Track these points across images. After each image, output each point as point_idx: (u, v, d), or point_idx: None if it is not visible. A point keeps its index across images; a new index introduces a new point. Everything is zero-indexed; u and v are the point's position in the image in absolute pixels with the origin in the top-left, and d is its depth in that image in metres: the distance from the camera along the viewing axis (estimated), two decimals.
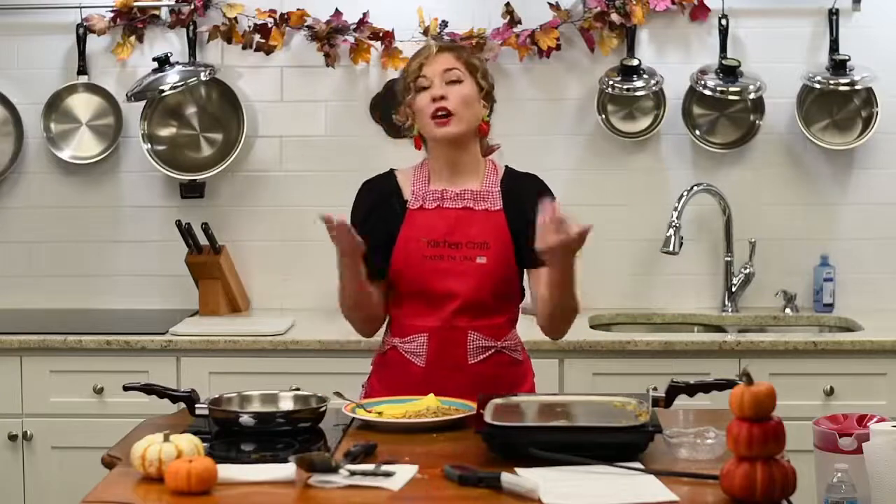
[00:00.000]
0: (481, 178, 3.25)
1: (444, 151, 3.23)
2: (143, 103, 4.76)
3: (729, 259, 4.74)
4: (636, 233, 4.78)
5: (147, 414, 3.24)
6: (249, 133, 4.79)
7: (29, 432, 4.33)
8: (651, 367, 4.17)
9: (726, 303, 4.74)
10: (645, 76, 4.69)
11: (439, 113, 3.16)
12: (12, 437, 4.33)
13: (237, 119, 4.79)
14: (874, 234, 4.77)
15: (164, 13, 4.79)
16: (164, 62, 4.68)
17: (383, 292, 3.26)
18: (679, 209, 4.60)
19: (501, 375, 3.20)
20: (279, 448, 2.74)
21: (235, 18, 4.74)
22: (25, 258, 4.88)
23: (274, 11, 4.75)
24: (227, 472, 2.50)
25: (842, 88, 4.65)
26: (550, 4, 4.71)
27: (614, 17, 4.66)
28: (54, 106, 4.81)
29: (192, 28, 4.74)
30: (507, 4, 4.70)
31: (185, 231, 4.66)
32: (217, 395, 2.99)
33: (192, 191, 4.80)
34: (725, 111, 4.76)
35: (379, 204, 3.25)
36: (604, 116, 4.75)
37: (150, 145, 4.80)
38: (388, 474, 2.50)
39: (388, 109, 4.78)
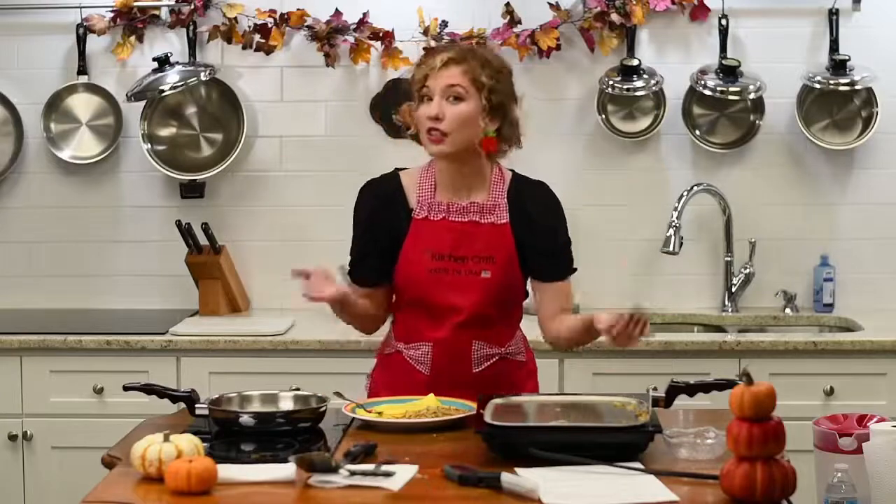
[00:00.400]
0: (487, 188, 3.21)
1: (444, 164, 3.20)
2: (143, 103, 4.76)
3: (729, 259, 4.74)
4: (636, 233, 4.78)
5: (147, 414, 3.24)
6: (249, 133, 4.79)
7: (29, 432, 4.33)
8: (651, 367, 4.17)
9: (726, 303, 4.74)
10: (645, 76, 4.69)
11: (433, 131, 3.12)
12: (12, 437, 4.33)
13: (237, 119, 4.79)
14: (874, 234, 4.77)
15: (164, 13, 4.79)
16: (164, 62, 4.68)
17: (385, 297, 3.25)
18: (679, 209, 4.60)
19: (506, 380, 3.19)
20: (279, 448, 2.74)
21: (235, 18, 4.74)
22: (25, 258, 4.88)
23: (274, 11, 4.75)
24: (227, 472, 2.50)
25: (842, 88, 4.65)
26: (550, 4, 4.71)
27: (614, 17, 4.66)
28: (54, 106, 4.80)
29: (192, 28, 4.74)
30: (507, 4, 4.70)
31: (185, 231, 4.66)
32: (217, 395, 2.99)
33: (192, 191, 4.80)
34: (725, 111, 4.76)
35: (383, 210, 3.22)
36: (604, 116, 4.75)
37: (150, 145, 4.80)
38: (388, 474, 2.50)
39: (388, 109, 4.79)
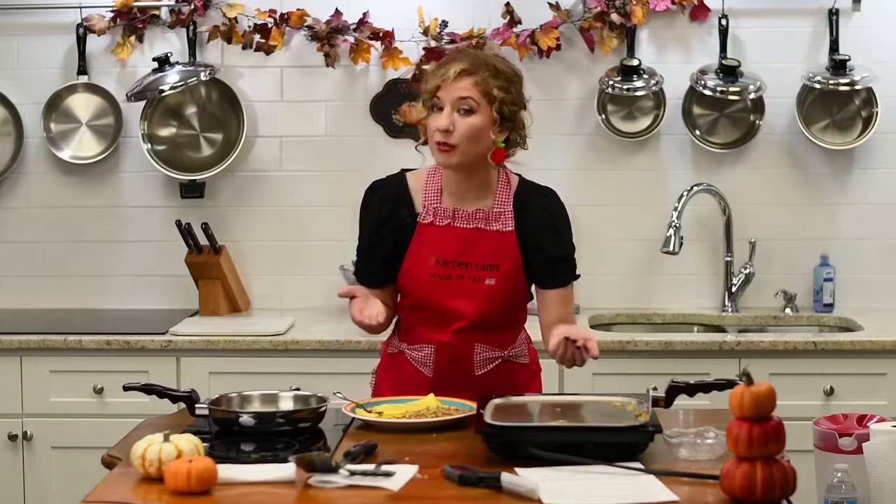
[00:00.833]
0: (493, 194, 3.20)
1: (451, 173, 3.18)
2: (143, 103, 4.75)
3: (729, 259, 4.74)
4: (636, 233, 4.78)
5: (147, 414, 3.24)
6: (249, 133, 4.79)
7: (29, 432, 4.33)
8: (651, 367, 4.17)
9: (726, 303, 4.74)
10: (645, 76, 4.69)
11: (443, 143, 3.10)
12: (12, 437, 4.33)
13: (237, 119, 4.79)
14: (874, 234, 4.77)
15: (164, 13, 4.79)
16: (164, 62, 4.68)
17: (390, 297, 3.25)
18: (679, 209, 4.60)
19: (509, 382, 3.19)
20: (279, 448, 2.74)
21: (235, 18, 4.74)
22: (25, 258, 4.88)
23: (274, 11, 4.75)
24: (227, 472, 2.50)
25: (842, 88, 4.65)
26: (550, 4, 4.71)
27: (614, 17, 4.66)
28: (54, 106, 4.80)
29: (192, 28, 4.74)
30: (507, 4, 4.70)
31: (185, 231, 4.66)
32: (217, 395, 2.99)
33: (192, 191, 4.80)
34: (725, 111, 4.76)
35: (389, 213, 3.20)
36: (604, 116, 4.75)
37: (150, 145, 4.80)
38: (388, 474, 2.50)
39: (388, 109, 4.80)
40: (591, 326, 4.51)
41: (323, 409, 2.94)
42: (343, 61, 4.77)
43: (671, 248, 4.56)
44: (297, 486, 2.48)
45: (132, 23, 4.77)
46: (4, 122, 4.83)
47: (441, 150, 3.10)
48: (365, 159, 4.68)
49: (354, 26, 4.72)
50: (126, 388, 3.05)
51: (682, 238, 4.58)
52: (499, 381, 3.18)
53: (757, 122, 4.74)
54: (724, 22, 4.68)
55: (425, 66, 4.57)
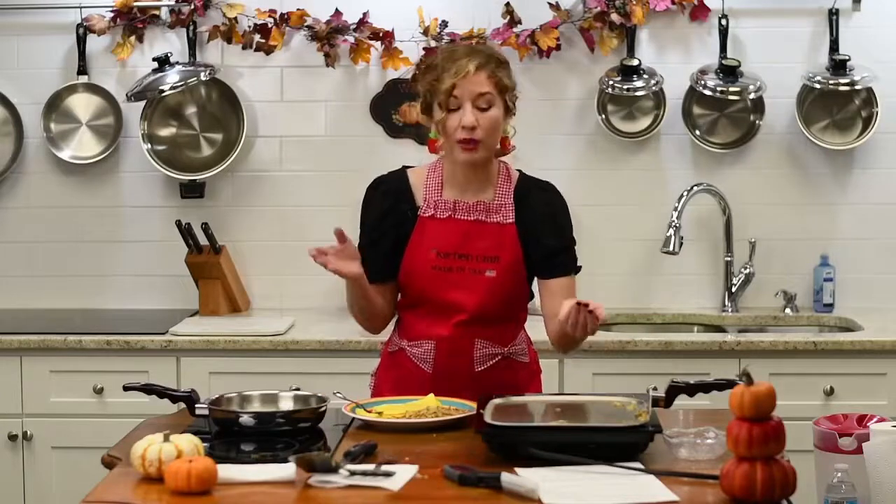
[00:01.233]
0: (494, 187, 3.21)
1: (463, 168, 3.19)
2: (143, 103, 4.75)
3: (729, 259, 4.74)
4: (636, 233, 4.78)
5: (147, 414, 3.24)
6: (249, 133, 4.79)
7: (29, 432, 4.33)
8: (651, 367, 4.17)
9: (726, 303, 4.74)
10: (645, 76, 4.69)
11: (467, 140, 3.10)
12: (12, 437, 4.33)
13: (237, 119, 4.79)
14: (874, 234, 4.77)
15: (164, 13, 4.79)
16: (164, 62, 4.68)
17: (392, 293, 3.26)
18: (679, 209, 4.60)
19: (508, 380, 3.19)
20: (279, 448, 2.74)
21: (235, 18, 4.74)
22: (25, 258, 4.88)
23: (274, 11, 4.75)
24: (227, 472, 2.50)
25: (842, 88, 4.65)
26: (550, 4, 4.71)
27: (614, 17, 4.66)
28: (54, 106, 4.80)
29: (192, 28, 4.74)
30: (507, 4, 4.70)
31: (185, 231, 4.66)
32: (217, 395, 2.99)
33: (192, 191, 4.80)
34: (725, 111, 4.76)
35: (391, 208, 3.22)
36: (604, 116, 4.75)
37: (150, 145, 4.80)
38: (388, 474, 2.50)
39: (388, 109, 4.80)
40: None
41: (323, 409, 2.94)
42: (343, 61, 4.77)
43: (671, 248, 4.56)
44: (297, 486, 2.48)
45: (132, 23, 4.77)
46: (4, 122, 4.84)
47: (465, 147, 3.10)
48: (365, 159, 4.68)
49: (354, 26, 4.72)
50: (126, 388, 3.05)
51: (682, 238, 4.58)
52: (499, 378, 3.18)
53: (757, 122, 4.74)
54: (724, 22, 4.68)
55: (424, 67, 4.56)
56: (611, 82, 4.67)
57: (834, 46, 4.68)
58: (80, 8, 4.75)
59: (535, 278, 3.24)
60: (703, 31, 4.75)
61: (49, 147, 4.81)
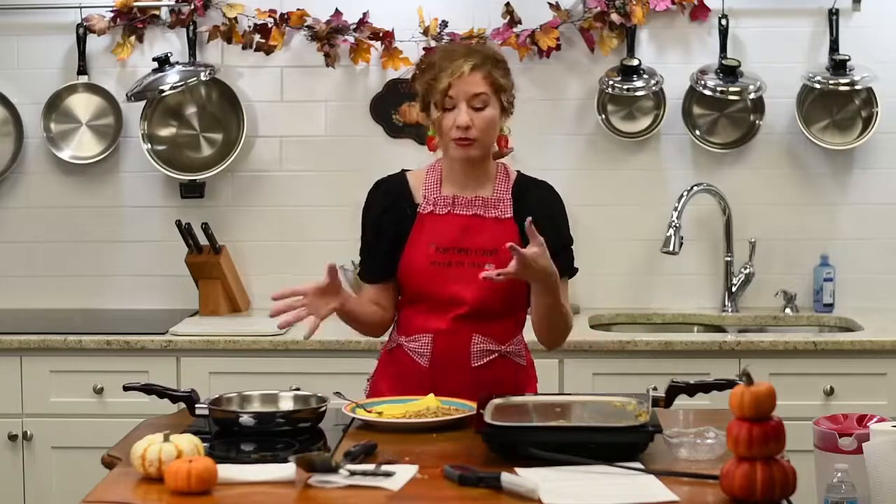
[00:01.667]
0: (493, 184, 3.24)
1: (460, 165, 3.22)
2: (143, 103, 4.76)
3: (729, 259, 4.74)
4: (636, 233, 4.78)
5: (147, 414, 3.24)
6: (249, 133, 4.79)
7: (29, 432, 4.33)
8: (651, 367, 4.17)
9: (726, 303, 4.74)
10: (645, 76, 4.69)
11: (462, 139, 3.13)
12: (12, 437, 4.33)
13: (237, 119, 4.79)
14: (874, 234, 4.77)
15: (164, 13, 4.79)
16: (164, 62, 4.68)
17: (391, 293, 3.26)
18: (679, 209, 4.60)
19: (505, 380, 3.19)
20: (279, 448, 2.74)
21: (235, 18, 4.74)
22: (25, 258, 4.88)
23: (274, 11, 4.75)
24: (227, 472, 2.50)
25: (842, 88, 4.65)
26: (550, 4, 4.71)
27: (614, 17, 4.66)
28: (54, 106, 4.81)
29: (192, 28, 4.74)
30: (507, 4, 4.70)
31: (185, 231, 4.66)
32: (217, 395, 2.99)
33: (192, 191, 4.80)
34: (725, 111, 4.76)
35: (390, 207, 3.24)
36: (604, 116, 4.75)
37: (150, 145, 4.80)
38: (388, 474, 2.50)
39: (388, 109, 4.80)
40: (592, 327, 4.51)
41: (323, 409, 2.94)
42: (343, 61, 4.77)
43: (671, 248, 4.56)
44: (297, 486, 2.48)
45: (132, 23, 4.77)
46: (4, 122, 4.84)
47: (460, 144, 3.14)
48: (365, 159, 4.68)
49: (354, 26, 4.73)
50: (126, 388, 3.05)
51: (682, 238, 4.58)
52: (495, 376, 3.19)
53: (757, 122, 4.74)
54: (724, 22, 4.68)
55: (423, 67, 4.56)
56: (611, 82, 4.67)
57: (834, 46, 4.68)
58: (80, 8, 4.75)
59: None
60: (703, 31, 4.75)
61: (49, 147, 4.81)
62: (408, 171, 3.33)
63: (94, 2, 4.76)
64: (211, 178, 4.79)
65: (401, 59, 4.72)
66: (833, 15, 4.68)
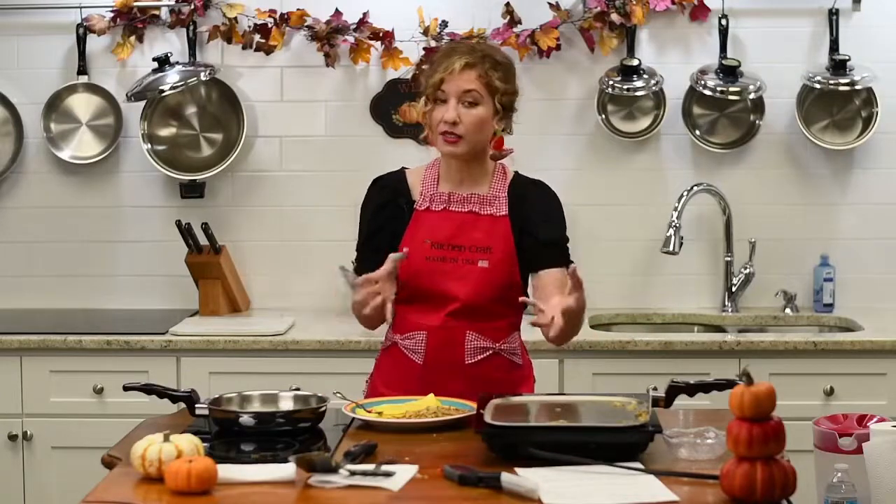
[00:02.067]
0: (489, 182, 3.26)
1: (455, 163, 3.25)
2: (143, 103, 4.76)
3: (729, 259, 4.74)
4: (636, 233, 4.78)
5: (147, 414, 3.24)
6: (249, 133, 4.79)
7: (29, 432, 4.33)
8: (651, 367, 4.17)
9: (726, 303, 4.74)
10: (645, 76, 4.69)
11: (448, 134, 3.16)
12: (12, 437, 4.33)
13: (237, 119, 4.79)
14: (874, 234, 4.77)
15: (164, 13, 4.79)
16: (164, 62, 4.68)
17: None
18: (679, 209, 4.60)
19: (499, 378, 3.21)
20: (279, 448, 2.74)
21: (235, 18, 4.74)
22: (25, 258, 4.88)
23: (274, 11, 4.75)
24: (227, 472, 2.50)
25: (842, 88, 4.65)
26: (550, 4, 4.71)
27: (614, 17, 4.66)
28: (54, 106, 4.81)
29: (192, 28, 4.74)
30: (507, 4, 4.70)
31: (185, 231, 4.66)
32: (217, 395, 2.99)
33: (192, 191, 4.80)
34: (725, 111, 4.76)
35: (387, 203, 3.27)
36: (604, 116, 4.75)
37: (150, 145, 4.80)
38: (388, 474, 2.50)
39: (388, 109, 4.79)
40: (592, 327, 4.51)
41: (323, 409, 2.94)
42: (343, 61, 4.77)
43: (671, 248, 4.56)
44: (297, 486, 2.48)
45: (132, 23, 4.77)
46: (4, 122, 4.84)
47: (447, 140, 3.17)
48: (365, 159, 4.68)
49: (354, 26, 4.73)
50: (126, 388, 3.05)
51: (682, 238, 4.58)
52: (490, 374, 3.20)
53: (757, 122, 4.74)
54: (724, 22, 4.68)
55: (424, 66, 4.57)
56: (611, 82, 4.67)
57: (834, 46, 4.68)
58: (80, 8, 4.75)
59: (529, 275, 3.25)
60: (703, 31, 4.75)
61: (49, 147, 4.81)
62: (407, 169, 3.35)
63: (94, 2, 4.76)
64: (211, 178, 4.79)
65: (401, 59, 4.72)
66: (833, 15, 4.68)
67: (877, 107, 4.68)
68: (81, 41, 4.76)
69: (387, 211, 3.26)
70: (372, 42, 4.73)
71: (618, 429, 2.68)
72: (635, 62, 4.68)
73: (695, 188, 4.66)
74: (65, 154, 4.82)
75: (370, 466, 2.52)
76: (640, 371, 4.16)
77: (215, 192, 4.84)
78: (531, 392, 3.31)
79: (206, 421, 2.92)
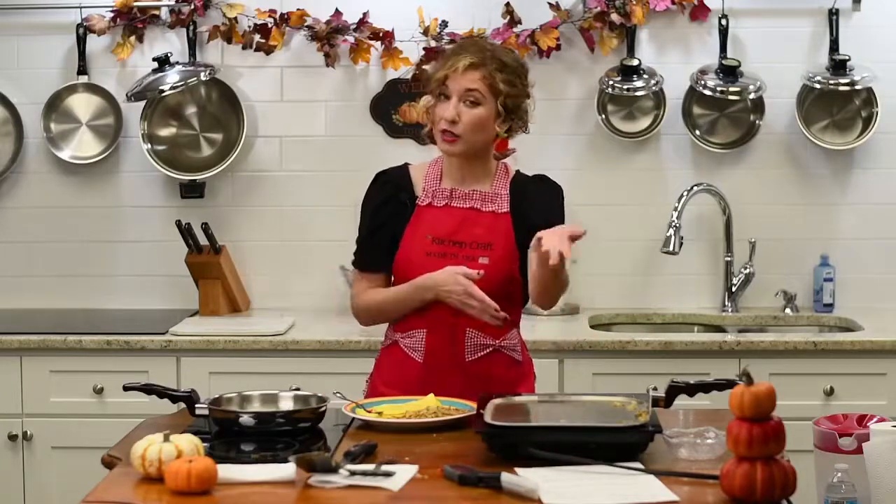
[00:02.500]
0: (491, 180, 3.27)
1: (456, 160, 3.26)
2: (143, 103, 4.76)
3: (729, 259, 4.74)
4: (636, 233, 4.78)
5: (147, 414, 3.24)
6: (249, 133, 4.79)
7: (29, 432, 4.33)
8: (651, 367, 4.17)
9: (726, 303, 4.74)
10: (645, 76, 4.69)
11: (447, 132, 3.17)
12: (12, 437, 4.33)
13: (237, 119, 4.79)
14: (874, 234, 4.77)
15: (164, 13, 4.79)
16: (164, 62, 4.68)
17: (385, 285, 3.28)
18: (679, 209, 4.60)
19: (499, 376, 3.21)
20: (279, 448, 2.74)
21: (235, 18, 4.74)
22: (25, 258, 4.88)
23: (274, 11, 4.75)
24: (227, 472, 2.50)
25: (842, 88, 4.65)
26: (550, 4, 4.71)
27: (614, 17, 4.66)
28: (54, 106, 4.80)
29: (192, 28, 4.74)
30: (507, 4, 4.70)
31: (185, 231, 4.66)
32: (217, 395, 2.99)
33: (192, 191, 4.80)
34: (725, 111, 4.76)
35: (390, 198, 3.28)
36: (604, 116, 4.75)
37: (150, 145, 4.80)
38: (388, 474, 2.50)
39: (388, 109, 4.79)
40: (592, 327, 4.51)
41: (323, 409, 2.94)
42: (343, 61, 4.77)
43: (671, 248, 4.56)
44: (297, 486, 2.48)
45: (132, 23, 4.77)
46: (4, 122, 4.84)
47: (445, 138, 3.18)
48: (365, 159, 4.68)
49: (354, 26, 4.72)
50: (126, 388, 3.05)
51: (682, 238, 4.58)
52: (490, 371, 3.21)
53: (757, 122, 4.74)
54: (724, 22, 4.68)
55: (426, 66, 4.58)
56: (611, 82, 4.67)
57: (834, 46, 4.68)
58: (80, 8, 4.75)
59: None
60: (703, 31, 4.75)
61: (49, 147, 4.81)
62: (411, 164, 3.36)
63: (94, 2, 4.76)
64: (211, 178, 4.79)
65: (401, 59, 4.72)
66: (833, 15, 4.68)
67: (877, 107, 4.68)
68: (81, 41, 4.76)
69: (389, 206, 3.27)
70: (372, 42, 4.73)
71: (618, 429, 2.68)
72: (635, 62, 4.68)
73: (695, 188, 4.66)
74: (65, 154, 4.82)
75: (370, 466, 2.52)
76: (640, 371, 4.16)
77: (215, 192, 4.84)
78: (532, 390, 3.31)
79: (206, 421, 2.92)
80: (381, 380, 3.30)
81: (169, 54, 4.70)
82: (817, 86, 4.64)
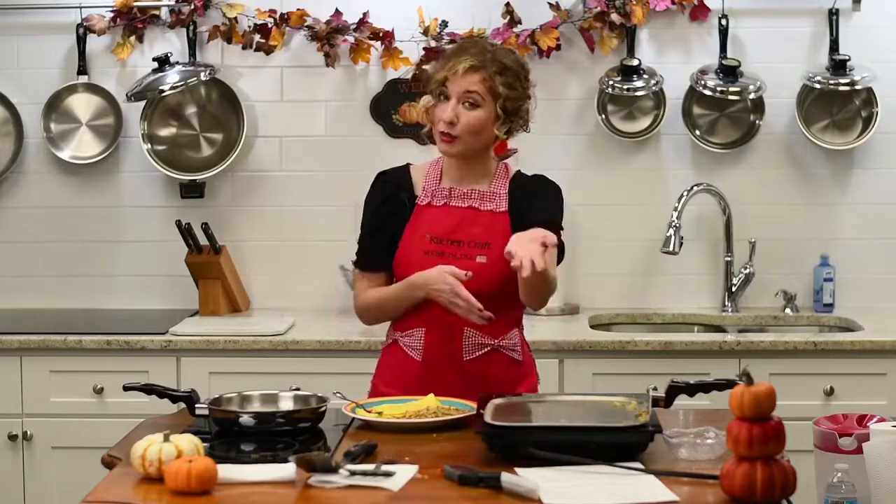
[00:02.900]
0: (491, 179, 3.27)
1: (455, 160, 3.27)
2: (143, 103, 4.76)
3: (729, 259, 4.74)
4: (636, 233, 4.78)
5: (147, 414, 3.24)
6: (249, 133, 4.79)
7: (29, 432, 4.33)
8: (651, 367, 4.17)
9: (726, 303, 4.74)
10: (645, 76, 4.69)
11: (445, 133, 3.18)
12: (12, 437, 4.33)
13: (237, 119, 4.79)
14: (874, 234, 4.77)
15: (164, 13, 4.79)
16: (164, 62, 4.68)
17: (386, 284, 3.29)
18: (679, 209, 4.60)
19: (499, 375, 3.21)
20: (279, 448, 2.74)
21: (235, 18, 4.74)
22: (25, 258, 4.88)
23: (274, 11, 4.75)
24: (227, 472, 2.50)
25: (842, 88, 4.65)
26: (550, 4, 4.71)
27: (614, 17, 4.66)
28: (54, 106, 4.80)
29: (192, 28, 4.74)
30: (507, 4, 4.70)
31: (185, 231, 4.66)
32: (217, 395, 2.99)
33: (192, 191, 4.80)
34: (725, 111, 4.76)
35: (389, 197, 3.29)
36: (604, 116, 4.75)
37: (150, 145, 4.80)
38: (388, 474, 2.50)
39: (388, 109, 4.79)
40: (592, 327, 4.51)
41: (323, 409, 2.94)
42: (343, 61, 4.77)
43: (671, 248, 4.56)
44: (297, 486, 2.48)
45: (132, 23, 4.77)
46: (4, 122, 4.84)
47: (443, 139, 3.19)
48: (365, 159, 4.68)
49: (354, 26, 4.72)
50: (126, 388, 3.05)
51: (682, 238, 4.58)
52: (488, 370, 3.21)
53: (757, 122, 4.74)
54: (724, 22, 4.68)
55: (426, 66, 4.58)
56: (611, 82, 4.67)
57: (834, 46, 4.68)
58: (80, 8, 4.75)
59: None
60: (703, 31, 4.75)
61: (49, 147, 4.81)
62: (412, 165, 3.37)
63: (94, 2, 4.76)
64: (211, 178, 4.79)
65: (401, 59, 4.72)
66: (833, 15, 4.68)
67: (877, 107, 4.68)
68: (81, 41, 4.76)
69: (389, 205, 3.28)
70: (372, 42, 4.73)
71: (618, 429, 2.68)
72: (635, 62, 4.68)
73: (695, 188, 4.66)
74: (65, 154, 4.82)
75: (370, 466, 2.52)
76: (640, 371, 4.16)
77: (215, 192, 4.84)
78: (533, 389, 3.32)
79: (206, 421, 2.92)
80: (381, 379, 3.31)
81: (169, 54, 4.70)
82: (817, 86, 4.64)
